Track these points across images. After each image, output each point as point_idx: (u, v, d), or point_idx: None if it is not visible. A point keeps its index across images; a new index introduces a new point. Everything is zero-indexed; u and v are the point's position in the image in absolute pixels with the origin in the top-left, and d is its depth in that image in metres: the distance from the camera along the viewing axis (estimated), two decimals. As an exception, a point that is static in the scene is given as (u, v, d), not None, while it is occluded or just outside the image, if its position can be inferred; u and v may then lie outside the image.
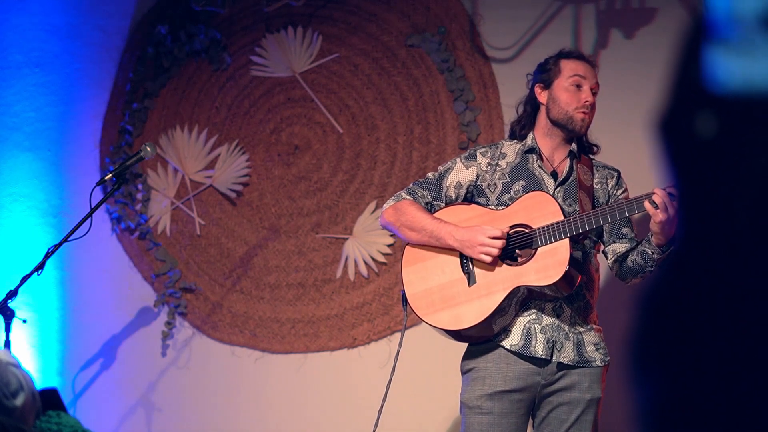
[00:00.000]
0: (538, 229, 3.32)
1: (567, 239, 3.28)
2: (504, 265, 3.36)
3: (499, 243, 3.33)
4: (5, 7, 5.00)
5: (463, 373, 3.48)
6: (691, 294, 1.06)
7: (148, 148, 4.27)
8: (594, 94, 3.45)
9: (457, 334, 3.45)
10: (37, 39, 5.00)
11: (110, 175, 4.26)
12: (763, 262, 1.07)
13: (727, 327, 1.04)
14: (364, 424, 4.37)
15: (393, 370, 3.60)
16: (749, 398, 1.02)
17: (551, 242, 3.29)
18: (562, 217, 3.29)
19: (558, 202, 3.34)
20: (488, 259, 3.34)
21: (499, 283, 3.35)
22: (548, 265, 3.29)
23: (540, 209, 3.34)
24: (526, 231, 3.35)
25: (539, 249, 3.31)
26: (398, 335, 4.46)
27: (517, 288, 3.33)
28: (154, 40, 4.94)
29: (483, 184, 3.50)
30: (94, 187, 4.28)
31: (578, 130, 3.45)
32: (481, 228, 3.36)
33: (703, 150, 1.00)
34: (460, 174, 3.52)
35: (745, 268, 1.06)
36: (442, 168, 3.57)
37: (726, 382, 1.02)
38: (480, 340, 3.43)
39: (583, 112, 3.42)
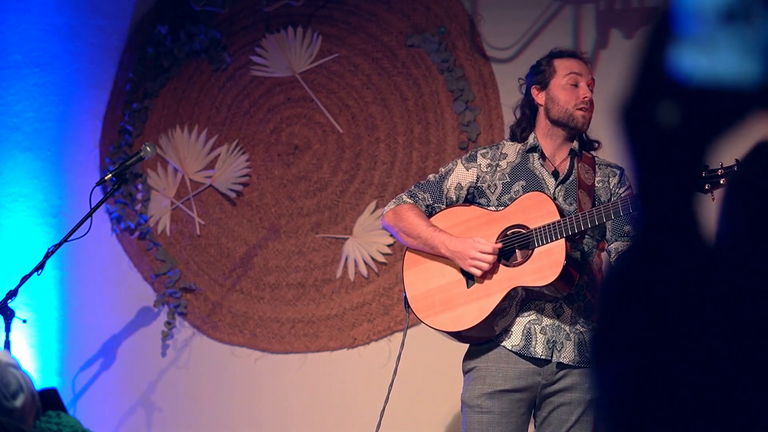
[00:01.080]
0: (535, 229, 3.32)
1: (563, 239, 3.28)
2: (501, 267, 3.37)
3: (489, 258, 3.34)
4: (5, 7, 5.01)
5: (465, 372, 3.50)
6: (653, 287, 1.07)
7: (148, 148, 4.28)
8: (591, 90, 3.45)
9: (458, 336, 3.47)
10: (37, 39, 5.00)
11: (110, 175, 4.26)
12: (727, 251, 1.08)
13: (690, 321, 1.05)
14: (363, 424, 4.37)
15: (395, 372, 3.61)
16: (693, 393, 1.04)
17: (547, 242, 3.29)
18: (559, 217, 3.30)
19: (555, 202, 3.35)
20: (478, 272, 3.36)
21: (496, 285, 3.36)
22: (544, 265, 3.29)
23: (537, 209, 3.35)
24: (524, 232, 3.36)
25: (536, 249, 3.32)
26: (398, 335, 4.47)
27: (515, 289, 3.33)
28: (154, 40, 4.94)
29: (483, 185, 3.50)
30: (94, 187, 4.28)
31: (580, 127, 3.46)
32: (473, 241, 3.37)
33: (666, 141, 1.01)
34: (461, 176, 3.53)
35: (708, 260, 1.07)
36: (443, 170, 3.58)
37: (676, 376, 1.04)
38: (481, 340, 3.44)
39: (583, 109, 3.43)
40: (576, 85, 3.44)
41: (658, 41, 1.00)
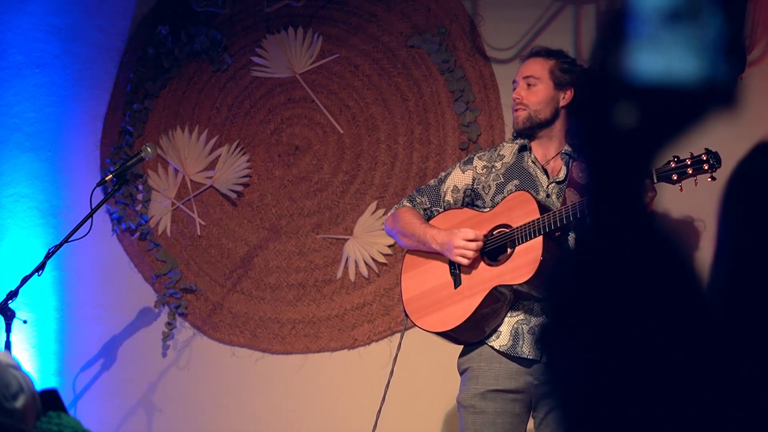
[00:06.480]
0: (517, 228, 3.36)
1: (540, 237, 3.30)
2: (486, 267, 3.42)
3: (474, 245, 3.38)
4: (5, 7, 5.01)
5: (460, 373, 3.53)
6: (597, 289, 1.08)
7: (149, 149, 4.28)
8: (529, 85, 3.51)
9: (449, 336, 3.52)
10: (37, 39, 5.00)
11: (111, 175, 4.27)
12: (678, 251, 1.08)
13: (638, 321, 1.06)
14: (364, 424, 4.37)
15: (391, 373, 3.63)
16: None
17: (527, 241, 3.33)
18: (539, 215, 3.33)
19: (540, 201, 3.38)
20: (465, 261, 3.40)
21: (479, 285, 3.41)
22: (522, 263, 3.32)
23: (521, 209, 3.39)
24: (507, 231, 3.40)
25: (516, 248, 3.36)
26: (398, 336, 4.47)
27: (496, 288, 3.36)
28: (155, 41, 4.94)
29: (479, 187, 3.56)
30: (95, 188, 4.29)
31: (516, 127, 3.57)
32: (458, 231, 3.42)
33: (619, 140, 1.02)
34: (457, 179, 3.59)
35: (660, 260, 1.08)
36: (443, 173, 3.66)
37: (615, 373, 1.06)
38: (474, 341, 3.47)
39: (516, 109, 3.53)
40: (514, 90, 3.57)
41: (609, 42, 1.01)
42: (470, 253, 3.39)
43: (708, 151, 3.21)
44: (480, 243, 3.40)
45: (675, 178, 3.23)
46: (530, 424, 3.53)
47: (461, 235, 3.41)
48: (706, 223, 4.20)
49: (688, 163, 3.21)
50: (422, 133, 4.71)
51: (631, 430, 1.05)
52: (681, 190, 3.29)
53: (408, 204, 3.64)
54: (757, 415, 1.14)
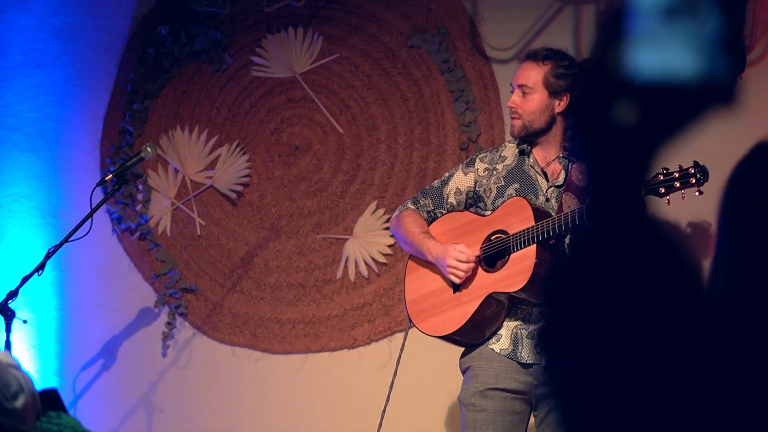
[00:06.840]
0: (513, 235, 3.36)
1: (534, 245, 3.30)
2: (483, 273, 3.43)
3: (464, 266, 3.40)
4: (5, 7, 5.01)
5: (462, 372, 3.55)
6: (600, 288, 1.08)
7: (149, 149, 4.28)
8: (524, 93, 3.49)
9: (451, 339, 3.53)
10: (37, 39, 5.00)
11: (111, 175, 4.27)
12: (678, 251, 1.08)
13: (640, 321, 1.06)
14: (364, 424, 4.37)
15: (395, 373, 3.64)
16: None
17: (522, 248, 3.33)
18: (533, 223, 3.33)
19: (533, 208, 3.38)
20: (456, 280, 3.42)
21: (476, 291, 3.42)
22: (516, 271, 3.33)
23: (517, 215, 3.39)
24: (504, 237, 3.40)
25: (511, 255, 3.37)
26: (399, 335, 4.48)
27: (491, 295, 3.37)
28: (155, 41, 4.94)
29: (480, 189, 3.56)
30: (95, 188, 4.29)
31: (511, 134, 3.57)
32: (451, 249, 3.43)
33: (619, 139, 1.02)
34: (459, 181, 3.59)
35: (659, 260, 1.08)
36: (446, 175, 3.66)
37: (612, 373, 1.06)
38: (476, 342, 3.49)
39: (512, 117, 3.52)
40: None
41: (609, 41, 1.01)
42: (461, 273, 3.42)
43: (696, 165, 3.20)
44: (471, 264, 3.41)
45: (662, 191, 3.22)
46: (532, 422, 3.54)
47: (453, 255, 3.42)
48: (706, 223, 4.20)
49: (676, 176, 3.20)
50: (422, 133, 4.71)
51: (631, 430, 1.05)
52: (669, 203, 3.28)
53: (412, 206, 3.63)
54: (757, 415, 1.14)
